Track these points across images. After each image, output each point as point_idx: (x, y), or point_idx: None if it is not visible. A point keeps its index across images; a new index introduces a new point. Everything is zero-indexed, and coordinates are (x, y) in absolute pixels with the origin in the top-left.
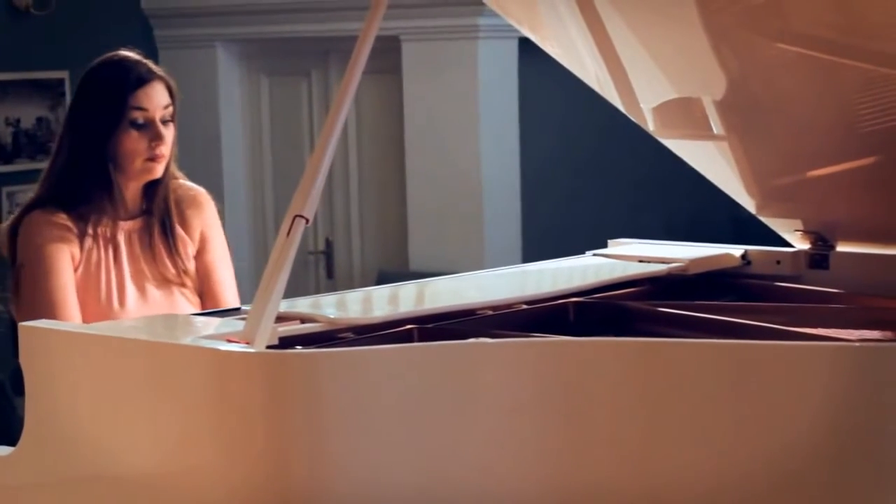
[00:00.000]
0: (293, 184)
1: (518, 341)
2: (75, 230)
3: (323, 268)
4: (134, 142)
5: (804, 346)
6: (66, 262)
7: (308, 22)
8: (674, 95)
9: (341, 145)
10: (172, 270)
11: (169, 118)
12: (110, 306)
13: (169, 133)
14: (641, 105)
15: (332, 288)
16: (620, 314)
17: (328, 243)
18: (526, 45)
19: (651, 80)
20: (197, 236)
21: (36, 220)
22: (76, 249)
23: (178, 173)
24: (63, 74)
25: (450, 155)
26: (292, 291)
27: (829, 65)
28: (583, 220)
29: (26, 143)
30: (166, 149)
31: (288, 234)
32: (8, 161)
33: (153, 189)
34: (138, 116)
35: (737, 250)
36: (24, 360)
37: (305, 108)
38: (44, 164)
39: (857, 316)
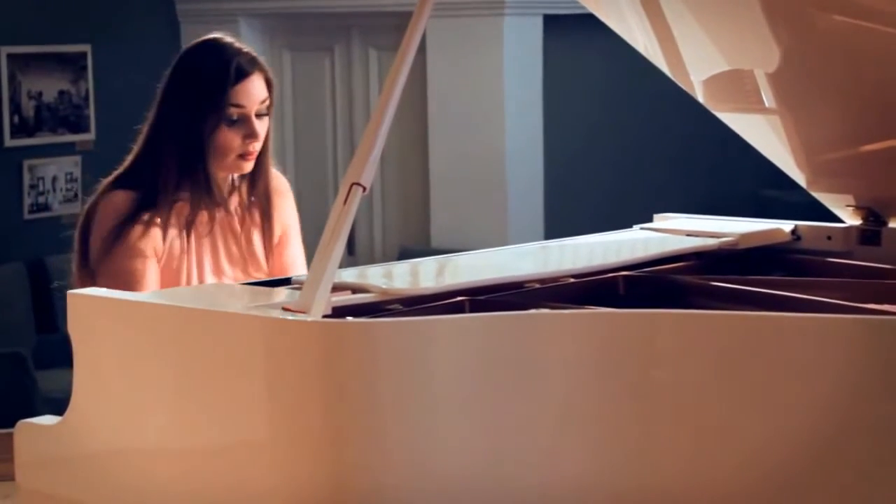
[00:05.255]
0: (315, 159)
1: (589, 312)
2: (159, 220)
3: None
4: (228, 138)
5: (857, 319)
6: (153, 268)
7: None
8: (725, 68)
9: (363, 120)
10: (260, 260)
11: (265, 111)
12: None
13: (263, 126)
14: (692, 77)
15: (354, 265)
16: (672, 288)
17: None
18: (551, 22)
19: (703, 53)
20: (279, 230)
21: (115, 207)
22: (159, 241)
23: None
24: (85, 48)
25: (473, 131)
26: None
27: (884, 36)
28: (606, 198)
29: (48, 116)
30: (259, 145)
31: (345, 202)
32: (30, 134)
33: (255, 181)
34: (234, 113)
35: (787, 225)
36: (72, 328)
37: (328, 84)
38: (65, 138)
39: None
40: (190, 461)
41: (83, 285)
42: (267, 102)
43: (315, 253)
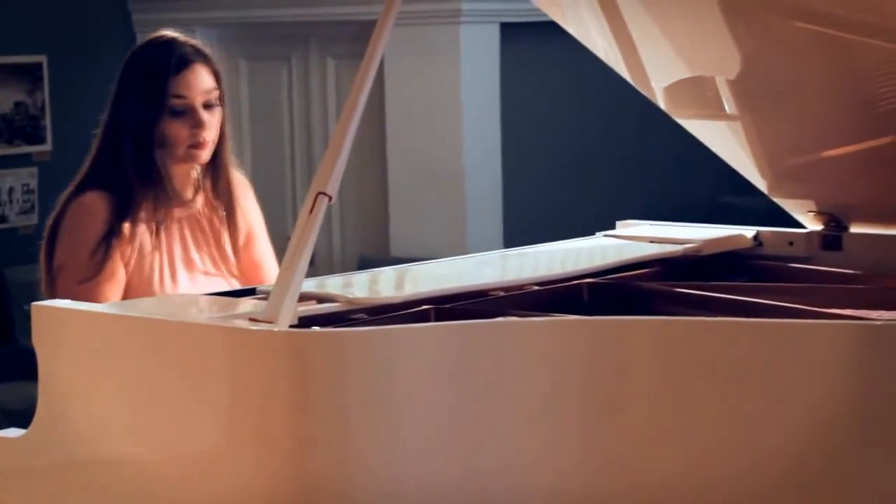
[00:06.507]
0: (273, 168)
1: (556, 319)
2: (127, 220)
3: None
4: (175, 129)
5: (834, 325)
6: (120, 272)
7: (288, 6)
8: (686, 74)
9: (321, 130)
10: (231, 259)
11: (214, 102)
12: (163, 292)
13: (214, 117)
14: (653, 84)
15: (313, 274)
16: (636, 295)
17: None
18: (508, 30)
19: (663, 59)
20: (244, 228)
21: (85, 209)
22: (126, 246)
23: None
24: (41, 59)
25: (431, 140)
26: None
27: (844, 43)
28: (564, 205)
29: (4, 127)
30: (209, 134)
31: (311, 211)
32: None
33: (216, 178)
34: (177, 104)
35: (748, 231)
36: (36, 340)
37: (285, 94)
38: (21, 149)
39: (872, 296)
40: (157, 472)
41: (51, 292)
42: (215, 93)
43: (281, 262)
